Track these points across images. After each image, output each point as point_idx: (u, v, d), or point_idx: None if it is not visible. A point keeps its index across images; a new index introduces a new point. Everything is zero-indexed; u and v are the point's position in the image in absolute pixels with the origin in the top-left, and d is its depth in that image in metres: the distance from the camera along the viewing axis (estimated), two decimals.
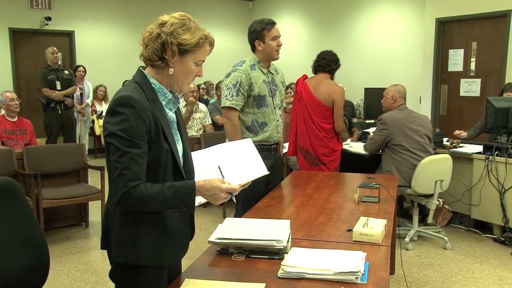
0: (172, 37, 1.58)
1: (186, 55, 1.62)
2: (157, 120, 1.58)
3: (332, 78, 4.14)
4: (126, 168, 1.50)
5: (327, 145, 4.01)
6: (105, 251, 1.69)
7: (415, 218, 4.30)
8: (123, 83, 8.80)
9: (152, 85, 1.65)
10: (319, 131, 3.98)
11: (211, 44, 1.68)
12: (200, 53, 1.64)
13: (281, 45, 3.14)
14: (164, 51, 1.60)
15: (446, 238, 4.19)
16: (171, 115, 1.71)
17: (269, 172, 2.14)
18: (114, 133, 1.51)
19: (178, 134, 1.74)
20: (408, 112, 4.25)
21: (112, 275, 1.69)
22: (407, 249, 4.09)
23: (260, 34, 3.10)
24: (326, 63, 4.05)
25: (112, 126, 1.52)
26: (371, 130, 5.34)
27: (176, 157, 1.64)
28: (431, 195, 4.15)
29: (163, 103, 1.66)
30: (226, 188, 1.62)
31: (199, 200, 1.72)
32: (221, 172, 1.71)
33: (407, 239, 4.16)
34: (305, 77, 4.16)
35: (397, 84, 4.40)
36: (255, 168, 2.07)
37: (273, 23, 3.13)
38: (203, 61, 1.68)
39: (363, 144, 4.55)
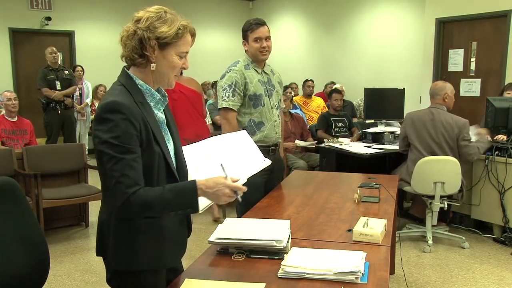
0: (149, 32, 1.53)
1: (167, 48, 1.56)
2: (147, 124, 1.54)
3: None
4: (123, 175, 1.46)
5: (208, 131, 4.76)
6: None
7: (429, 220, 4.24)
8: None
9: (139, 86, 1.60)
10: (203, 119, 4.63)
11: (193, 34, 1.62)
12: (181, 44, 1.58)
13: (264, 46, 2.98)
14: (144, 48, 1.55)
15: (463, 238, 4.19)
16: (160, 115, 1.67)
17: (270, 162, 2.09)
18: (106, 141, 1.46)
19: (169, 133, 1.70)
20: (430, 113, 4.15)
21: (110, 282, 1.67)
22: (430, 252, 4.07)
23: (245, 34, 3.03)
24: None
25: (102, 134, 1.47)
26: (371, 130, 5.33)
27: (168, 159, 1.61)
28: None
29: (151, 104, 1.62)
30: (231, 185, 1.58)
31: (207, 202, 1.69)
32: (223, 170, 1.65)
33: (430, 242, 4.12)
34: None
35: (437, 82, 4.46)
36: (254, 160, 2.03)
37: (258, 24, 2.99)
38: (187, 52, 1.62)
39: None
